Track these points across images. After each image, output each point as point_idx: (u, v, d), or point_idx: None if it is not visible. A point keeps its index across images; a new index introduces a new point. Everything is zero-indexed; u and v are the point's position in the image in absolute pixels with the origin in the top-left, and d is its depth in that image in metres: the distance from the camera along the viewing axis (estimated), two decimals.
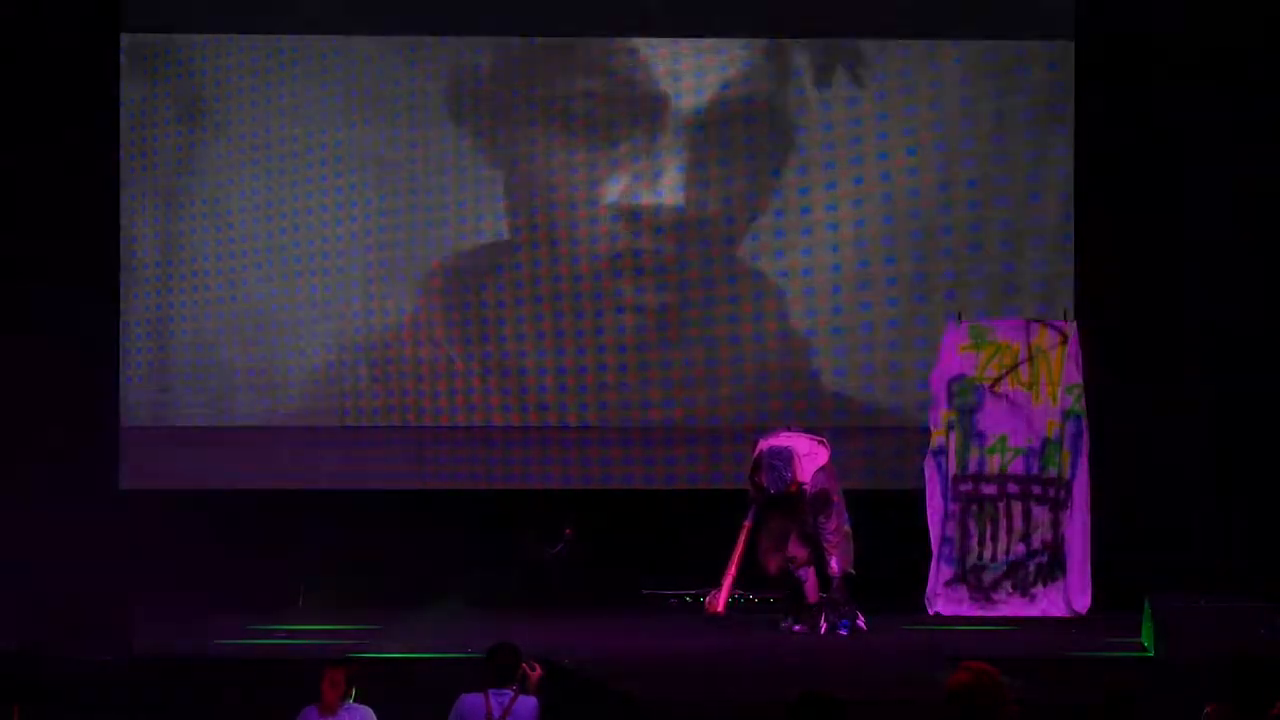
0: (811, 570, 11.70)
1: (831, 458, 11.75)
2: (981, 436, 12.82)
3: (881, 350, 13.89)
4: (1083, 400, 12.83)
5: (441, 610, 12.24)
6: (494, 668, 8.44)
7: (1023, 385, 12.84)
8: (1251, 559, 12.91)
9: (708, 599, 11.85)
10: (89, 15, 13.68)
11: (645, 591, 13.28)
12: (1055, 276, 13.94)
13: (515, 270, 13.88)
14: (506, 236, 13.89)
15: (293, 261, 13.79)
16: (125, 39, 13.75)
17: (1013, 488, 12.81)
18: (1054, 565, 12.76)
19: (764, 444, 11.68)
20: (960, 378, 12.86)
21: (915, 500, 12.93)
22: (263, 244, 13.79)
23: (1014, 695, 5.73)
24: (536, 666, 8.54)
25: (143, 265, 13.78)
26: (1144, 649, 10.90)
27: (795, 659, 10.76)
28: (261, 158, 13.82)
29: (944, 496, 12.80)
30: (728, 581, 11.71)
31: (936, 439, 12.86)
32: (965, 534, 12.79)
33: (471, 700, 8.40)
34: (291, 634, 11.68)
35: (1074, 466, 12.80)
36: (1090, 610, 12.64)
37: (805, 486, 11.53)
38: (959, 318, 13.01)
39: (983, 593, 12.77)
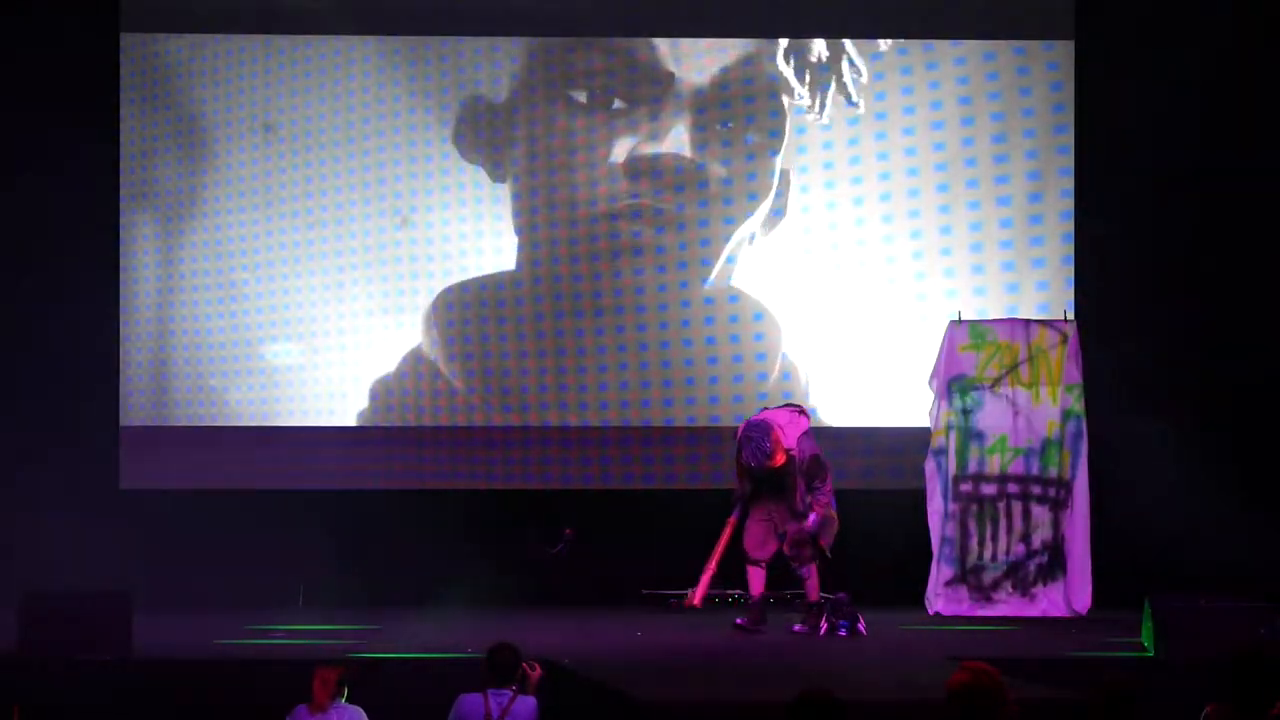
0: (813, 568, 11.69)
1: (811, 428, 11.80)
2: (981, 436, 12.82)
3: (881, 350, 13.88)
4: (1083, 400, 12.83)
5: (441, 610, 12.23)
6: (493, 668, 8.44)
7: (1023, 385, 12.85)
8: (1251, 559, 12.90)
9: (688, 594, 11.90)
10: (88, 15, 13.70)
11: (645, 591, 13.28)
12: (1055, 276, 13.95)
13: (516, 289, 13.88)
14: (508, 243, 13.89)
15: (292, 263, 13.79)
16: (125, 39, 13.76)
17: (1013, 488, 12.81)
18: (1054, 565, 12.76)
19: (743, 424, 11.74)
20: (960, 378, 12.86)
21: (915, 500, 12.93)
22: (262, 243, 13.79)
23: (1014, 695, 5.73)
24: (536, 666, 8.55)
25: (143, 265, 13.77)
26: (1144, 649, 10.89)
27: (795, 659, 10.75)
28: (260, 158, 13.83)
29: (944, 496, 12.80)
30: (706, 577, 11.73)
31: (936, 439, 12.86)
32: (965, 534, 12.79)
33: (470, 700, 8.40)
34: (291, 634, 11.68)
35: (1074, 466, 12.80)
36: (1090, 610, 12.64)
37: (794, 453, 11.51)
38: (959, 318, 13.01)
39: (983, 593, 12.77)
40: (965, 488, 12.81)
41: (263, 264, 13.79)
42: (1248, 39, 13.79)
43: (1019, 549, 12.77)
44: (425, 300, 13.84)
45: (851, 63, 13.90)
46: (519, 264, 13.89)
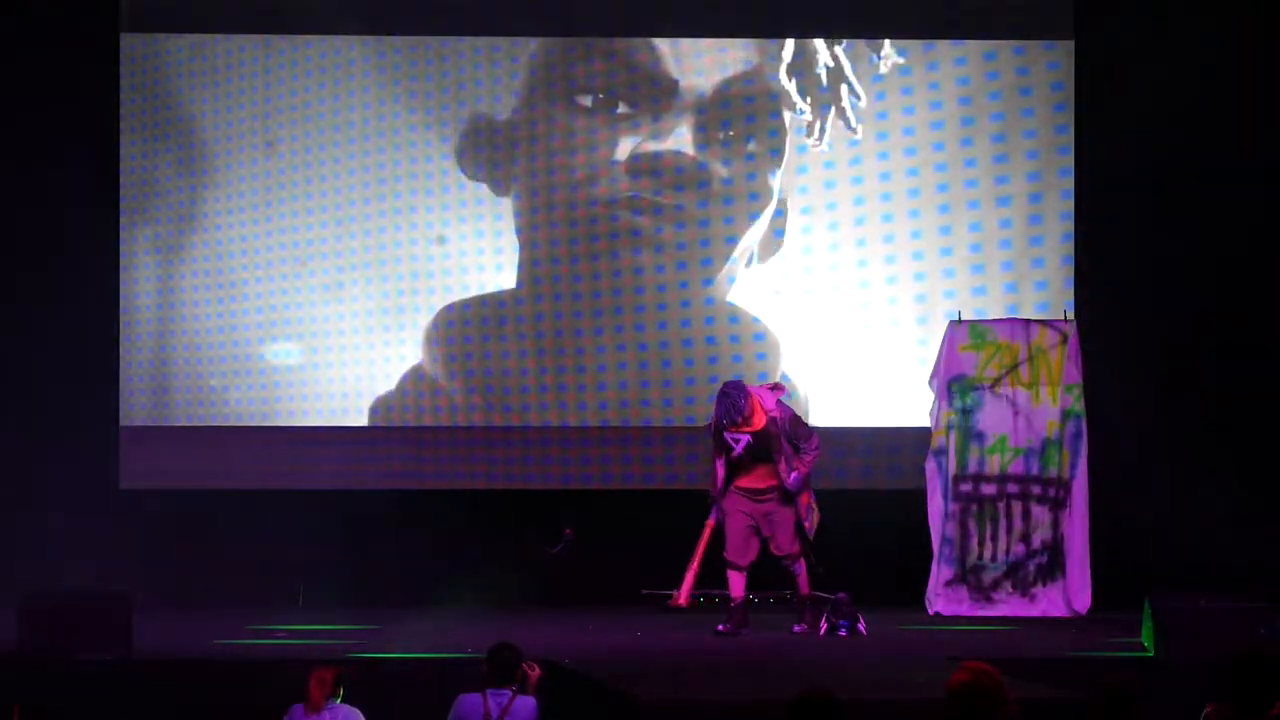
0: (802, 563, 11.65)
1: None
2: (981, 436, 12.82)
3: (881, 350, 13.88)
4: (1083, 400, 12.83)
5: (441, 610, 12.23)
6: (493, 668, 8.44)
7: (1023, 385, 12.84)
8: (1251, 559, 12.90)
9: (673, 595, 11.91)
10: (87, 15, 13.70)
11: (645, 591, 13.28)
12: (1055, 276, 13.95)
13: (518, 307, 13.88)
14: (508, 242, 13.90)
15: (292, 263, 13.79)
16: (125, 39, 13.76)
17: (1012, 488, 12.81)
18: (1054, 565, 12.76)
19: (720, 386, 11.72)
20: (960, 378, 12.86)
21: (915, 500, 12.93)
22: (262, 243, 13.79)
23: (1014, 695, 5.73)
24: (535, 667, 8.54)
25: (143, 265, 13.77)
26: (1144, 649, 10.90)
27: (795, 659, 10.74)
28: (261, 158, 13.82)
29: (944, 496, 12.80)
30: (690, 576, 11.71)
31: (937, 439, 12.86)
32: (965, 534, 12.79)
33: (470, 700, 8.40)
34: (291, 634, 11.68)
35: (1074, 466, 12.80)
36: (1090, 610, 12.64)
37: (774, 415, 11.46)
38: (959, 318, 13.01)
39: (983, 593, 12.77)
40: (965, 488, 12.81)
41: (262, 264, 13.78)
42: (1248, 39, 13.79)
43: (1019, 549, 12.77)
44: (425, 300, 13.83)
45: (852, 88, 13.86)
46: (520, 264, 13.88)
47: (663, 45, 13.89)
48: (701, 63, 13.89)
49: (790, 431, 11.48)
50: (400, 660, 10.39)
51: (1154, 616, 10.78)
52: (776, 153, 13.92)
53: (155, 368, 13.78)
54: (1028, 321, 13.04)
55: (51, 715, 9.64)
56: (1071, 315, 13.39)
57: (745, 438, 11.45)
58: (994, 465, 12.80)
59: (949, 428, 12.82)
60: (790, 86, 13.88)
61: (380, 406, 13.79)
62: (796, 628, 11.77)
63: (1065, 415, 12.81)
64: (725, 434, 11.49)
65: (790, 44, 13.89)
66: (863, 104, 13.89)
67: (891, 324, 13.89)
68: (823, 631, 11.67)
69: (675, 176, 13.87)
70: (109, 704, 9.88)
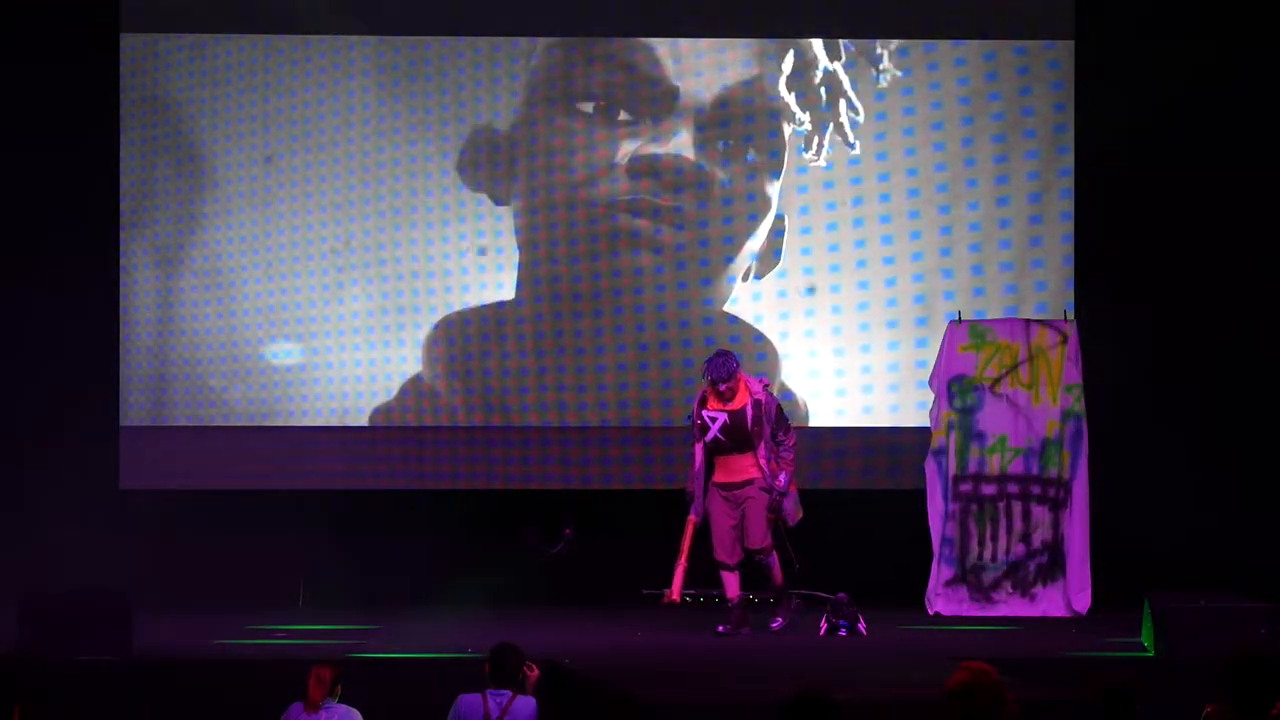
0: (774, 556, 11.62)
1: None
2: (981, 436, 12.82)
3: (880, 350, 13.88)
4: (1083, 400, 12.83)
5: (441, 610, 12.23)
6: (494, 668, 8.44)
7: (1023, 385, 12.84)
8: (1251, 559, 12.90)
9: (664, 593, 11.91)
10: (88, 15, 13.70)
11: (645, 591, 13.27)
12: (1055, 276, 13.94)
13: (518, 307, 13.88)
14: (508, 242, 13.89)
15: (291, 263, 13.79)
16: (125, 39, 13.76)
17: (1012, 488, 12.81)
18: (1054, 565, 12.76)
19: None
20: (960, 378, 12.86)
21: (915, 500, 12.93)
22: (262, 243, 13.79)
23: (1014, 695, 5.73)
24: (533, 667, 8.54)
25: (143, 265, 13.77)
26: (1144, 649, 10.90)
27: (795, 659, 10.74)
28: (260, 158, 13.82)
29: (944, 496, 12.80)
30: (679, 571, 11.68)
31: (937, 439, 12.86)
32: (965, 534, 12.79)
33: (469, 701, 8.40)
34: (291, 634, 11.68)
35: (1074, 466, 12.80)
36: (1090, 610, 12.64)
37: (760, 399, 11.43)
38: (959, 318, 13.00)
39: (983, 593, 12.76)
40: (965, 488, 12.81)
41: (262, 264, 13.78)
42: (1248, 39, 13.78)
43: (1019, 549, 12.77)
44: (425, 301, 13.83)
45: (851, 104, 13.86)
46: (520, 264, 13.88)
47: (663, 52, 13.88)
48: (702, 68, 13.88)
49: (774, 418, 11.46)
50: (400, 660, 10.38)
51: (1154, 616, 10.78)
52: (775, 154, 13.91)
53: (155, 368, 13.78)
54: (1028, 321, 13.03)
55: (51, 715, 9.62)
56: (1071, 315, 13.39)
57: (722, 417, 11.42)
58: (994, 465, 12.80)
59: (949, 428, 12.82)
60: (790, 99, 13.88)
61: (381, 409, 13.77)
62: (774, 624, 11.72)
63: (1065, 415, 12.81)
64: (704, 411, 11.48)
65: (790, 56, 13.88)
66: (861, 116, 13.88)
67: (890, 324, 13.88)
68: (823, 631, 11.67)
69: (675, 178, 13.87)
70: (109, 704, 9.87)
